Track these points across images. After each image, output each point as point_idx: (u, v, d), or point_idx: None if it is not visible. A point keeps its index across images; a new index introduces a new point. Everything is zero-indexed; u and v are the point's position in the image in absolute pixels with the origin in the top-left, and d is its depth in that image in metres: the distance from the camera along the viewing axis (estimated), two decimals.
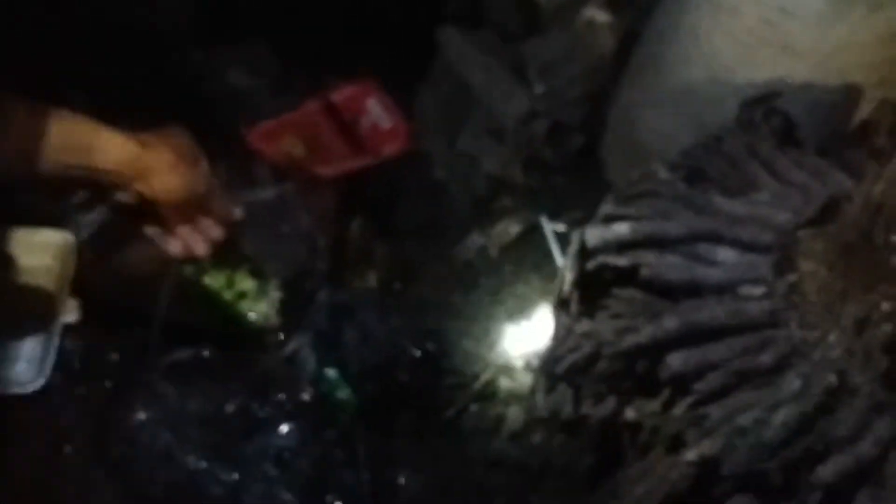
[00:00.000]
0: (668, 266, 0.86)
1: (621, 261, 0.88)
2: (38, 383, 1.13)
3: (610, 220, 0.94)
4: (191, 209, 1.09)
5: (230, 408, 1.22)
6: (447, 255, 1.39)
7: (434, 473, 1.21)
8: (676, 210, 0.95)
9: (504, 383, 1.23)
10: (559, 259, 1.31)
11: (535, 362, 1.21)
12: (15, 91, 0.92)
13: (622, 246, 0.89)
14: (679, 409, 0.83)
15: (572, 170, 1.36)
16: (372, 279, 1.38)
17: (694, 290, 0.85)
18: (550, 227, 1.35)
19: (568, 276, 0.89)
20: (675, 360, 0.82)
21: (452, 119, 1.46)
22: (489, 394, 1.24)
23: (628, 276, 0.89)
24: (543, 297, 1.32)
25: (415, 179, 1.47)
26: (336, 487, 1.19)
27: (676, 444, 0.82)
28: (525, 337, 1.28)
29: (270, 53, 1.58)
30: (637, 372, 0.85)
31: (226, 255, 1.33)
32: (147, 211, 1.11)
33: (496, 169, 1.39)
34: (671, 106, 1.22)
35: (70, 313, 1.21)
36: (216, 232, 1.11)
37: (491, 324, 1.32)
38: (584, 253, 0.90)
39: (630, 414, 0.88)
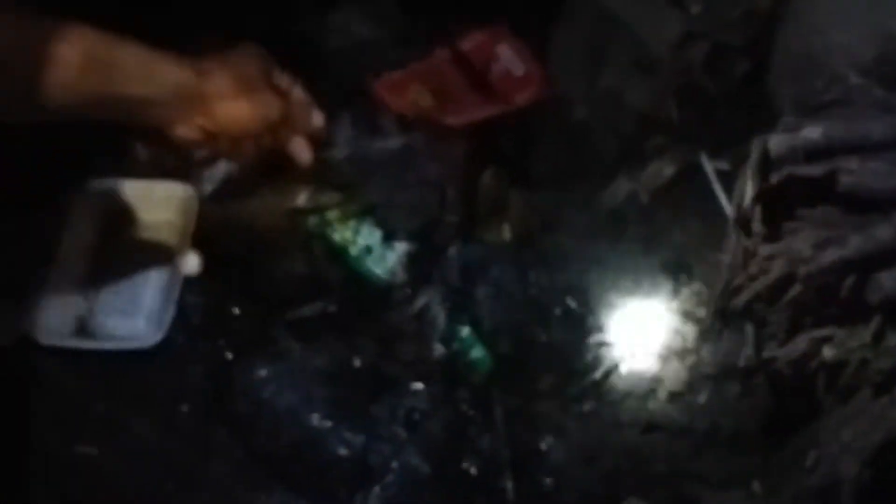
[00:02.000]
0: (872, 173, 0.70)
1: (814, 170, 0.72)
2: (158, 338, 1.09)
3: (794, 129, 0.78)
4: (269, 136, 1.00)
5: (357, 365, 1.13)
6: (591, 203, 1.25)
7: (580, 440, 1.07)
8: (874, 117, 0.78)
9: (661, 338, 1.08)
10: (724, 201, 1.15)
11: (700, 311, 1.05)
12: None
13: (814, 153, 0.74)
14: (893, 340, 0.67)
15: (736, 100, 1.20)
16: (507, 231, 1.26)
17: None
18: (712, 167, 1.19)
19: (748, 192, 0.74)
20: (890, 280, 0.66)
21: (594, 54, 1.32)
22: (642, 351, 1.09)
23: (822, 190, 0.74)
24: (705, 244, 1.15)
25: (552, 124, 1.33)
26: (471, 453, 1.07)
27: (891, 382, 0.66)
28: (683, 289, 1.13)
29: (394, 4, 1.49)
30: (840, 297, 0.69)
31: (351, 207, 1.26)
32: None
33: (646, 104, 1.24)
34: (854, 15, 1.04)
35: (191, 267, 1.17)
36: (304, 154, 1.04)
37: (643, 276, 1.17)
38: (767, 164, 0.74)
39: (829, 352, 0.72)
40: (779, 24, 1.16)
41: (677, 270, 1.15)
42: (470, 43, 1.52)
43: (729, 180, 1.18)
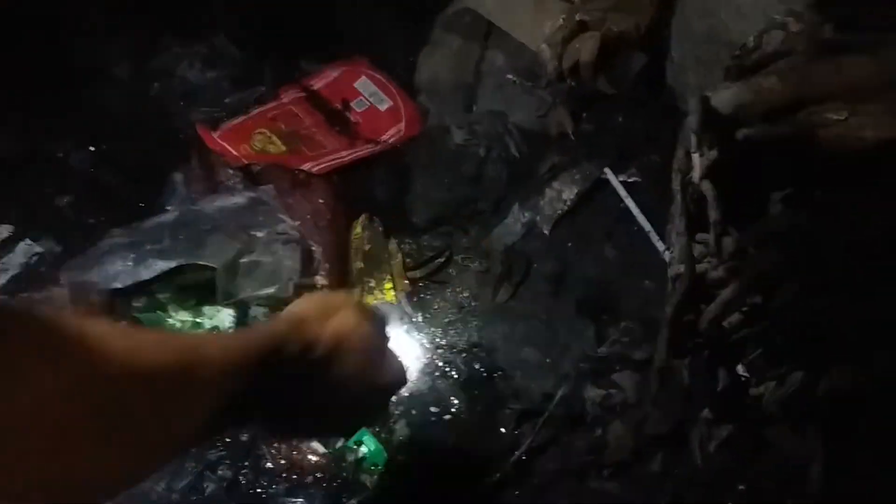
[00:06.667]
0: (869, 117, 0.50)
1: (780, 128, 0.52)
2: None
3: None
4: None
5: (210, 489, 0.86)
6: (483, 243, 1.04)
7: None
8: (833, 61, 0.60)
9: (593, 396, 0.86)
10: (641, 218, 0.96)
11: (637, 353, 0.84)
12: None
13: (775, 108, 0.54)
14: None
15: (635, 101, 1.02)
16: (390, 290, 1.03)
17: None
18: (619, 181, 1.00)
19: (696, 166, 0.53)
20: None
21: (464, 72, 1.13)
22: (571, 415, 0.87)
23: (790, 157, 0.54)
24: (627, 272, 0.96)
25: (428, 156, 1.12)
26: None
27: None
28: (610, 330, 0.92)
29: (228, 43, 1.27)
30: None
31: (188, 283, 1.00)
32: None
33: (532, 119, 1.05)
34: None
35: None
36: None
37: (557, 323, 0.96)
38: (712, 130, 0.54)
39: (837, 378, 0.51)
40: (674, 4, 0.99)
41: (598, 310, 0.95)
42: (322, 80, 1.32)
43: (641, 193, 0.99)
